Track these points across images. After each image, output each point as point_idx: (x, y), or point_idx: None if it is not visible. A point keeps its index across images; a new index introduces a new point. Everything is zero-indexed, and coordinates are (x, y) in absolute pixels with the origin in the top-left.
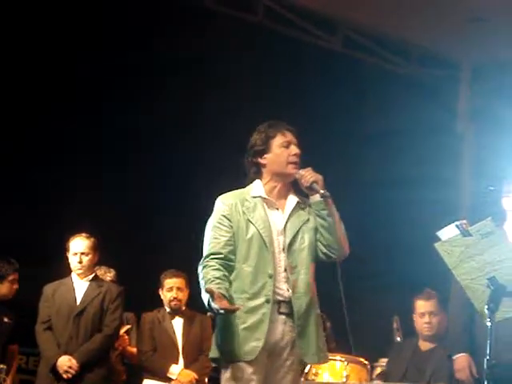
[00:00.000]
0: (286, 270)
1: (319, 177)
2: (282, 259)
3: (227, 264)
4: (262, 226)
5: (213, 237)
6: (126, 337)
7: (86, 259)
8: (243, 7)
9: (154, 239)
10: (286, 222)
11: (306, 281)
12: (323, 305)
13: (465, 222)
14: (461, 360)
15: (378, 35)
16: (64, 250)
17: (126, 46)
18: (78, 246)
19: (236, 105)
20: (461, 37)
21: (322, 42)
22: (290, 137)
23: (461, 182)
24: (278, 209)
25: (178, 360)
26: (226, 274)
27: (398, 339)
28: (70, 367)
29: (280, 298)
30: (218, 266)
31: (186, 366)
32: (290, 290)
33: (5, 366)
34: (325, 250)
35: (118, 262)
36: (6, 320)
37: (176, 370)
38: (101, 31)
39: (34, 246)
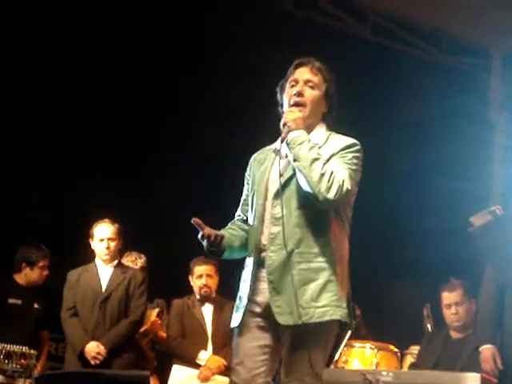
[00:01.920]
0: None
1: (289, 118)
2: (268, 209)
3: (242, 224)
4: (259, 179)
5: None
6: (159, 321)
7: (112, 245)
8: None
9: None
10: (287, 168)
11: (293, 231)
12: (354, 293)
13: (498, 207)
14: (486, 351)
15: (409, 23)
16: (86, 236)
17: None
18: (104, 232)
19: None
20: (492, 24)
21: (352, 29)
22: (299, 74)
23: (492, 169)
24: (287, 156)
25: (206, 346)
26: (234, 228)
27: (429, 327)
28: (99, 353)
29: (263, 254)
30: (229, 225)
31: (215, 353)
32: (267, 243)
33: (35, 352)
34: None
35: (148, 248)
36: (36, 306)
37: (205, 356)
38: None
39: (60, 232)
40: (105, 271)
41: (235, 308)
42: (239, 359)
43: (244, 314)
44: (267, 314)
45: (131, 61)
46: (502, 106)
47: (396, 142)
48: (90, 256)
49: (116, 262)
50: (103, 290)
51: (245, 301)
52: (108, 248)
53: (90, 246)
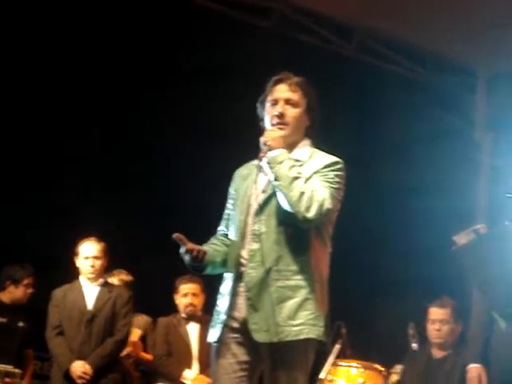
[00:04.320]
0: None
1: (269, 137)
2: (249, 225)
3: (224, 239)
4: (242, 195)
5: None
6: (140, 343)
7: (97, 263)
8: (257, 13)
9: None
10: (269, 185)
11: (272, 249)
12: (340, 313)
13: (483, 226)
14: (473, 370)
15: (394, 42)
16: (72, 254)
17: None
18: (90, 250)
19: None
20: (478, 44)
21: (337, 48)
22: (278, 92)
23: (478, 189)
24: None
25: (192, 365)
26: (217, 243)
27: (415, 346)
28: (85, 372)
29: (242, 269)
30: (211, 240)
31: (201, 372)
32: (246, 259)
33: (20, 371)
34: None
35: (134, 266)
36: (21, 324)
37: (190, 374)
38: None
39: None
40: (90, 290)
41: (212, 322)
42: (217, 376)
43: (222, 329)
44: (245, 329)
45: (125, 77)
46: (487, 125)
47: (380, 160)
48: (74, 274)
49: (101, 280)
50: (89, 308)
51: (223, 316)
52: (93, 266)
53: (75, 263)
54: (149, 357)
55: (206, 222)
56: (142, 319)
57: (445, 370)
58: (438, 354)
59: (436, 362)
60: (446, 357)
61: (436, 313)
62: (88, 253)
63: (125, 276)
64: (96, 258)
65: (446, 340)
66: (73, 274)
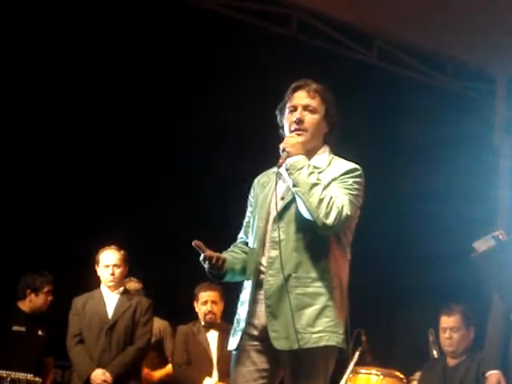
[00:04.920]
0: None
1: (288, 143)
2: (268, 233)
3: (244, 246)
4: (261, 202)
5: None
6: (149, 372)
7: (117, 271)
8: (279, 22)
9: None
10: (288, 192)
11: (291, 256)
12: (360, 320)
13: (501, 232)
14: (492, 377)
15: (413, 48)
16: (93, 262)
17: None
18: (110, 259)
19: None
20: (497, 50)
21: (357, 55)
22: (297, 99)
23: (497, 194)
24: None
25: (211, 373)
26: (237, 251)
27: (435, 352)
28: (105, 381)
29: (262, 276)
30: (231, 248)
31: (221, 380)
32: (265, 266)
33: (40, 380)
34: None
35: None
36: (40, 333)
37: (210, 383)
38: None
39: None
40: (110, 298)
41: (232, 331)
42: None
43: (241, 337)
44: (265, 337)
45: (133, 94)
46: (506, 130)
47: (401, 166)
48: (95, 283)
49: (122, 288)
50: (109, 317)
51: (242, 324)
52: (113, 274)
53: (96, 272)
54: (164, 372)
55: (227, 230)
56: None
57: (459, 377)
58: (452, 362)
59: (451, 370)
60: (459, 364)
61: (445, 321)
62: (108, 261)
63: (134, 284)
64: (116, 266)
65: (458, 347)
66: (94, 282)
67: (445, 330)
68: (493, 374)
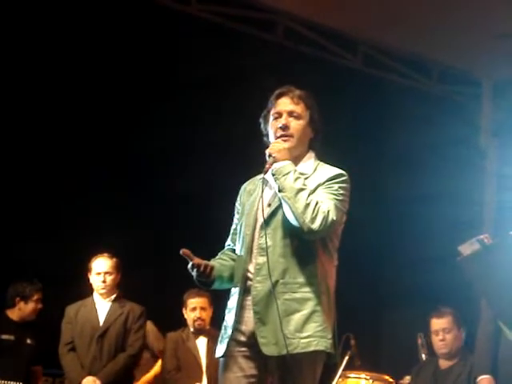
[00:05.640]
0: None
1: (274, 149)
2: (255, 240)
3: (232, 254)
4: (248, 210)
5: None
6: None
7: (109, 279)
8: (264, 28)
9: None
10: (274, 199)
11: (278, 262)
12: (348, 325)
13: (486, 236)
14: (483, 382)
15: (398, 52)
16: (85, 270)
17: None
18: (102, 266)
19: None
20: (482, 53)
21: (342, 60)
22: (281, 105)
23: (484, 196)
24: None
25: (201, 379)
26: (224, 258)
27: (424, 356)
28: None
29: (249, 283)
30: (219, 255)
31: None
32: (253, 273)
33: None
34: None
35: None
36: (29, 342)
37: None
38: None
39: (57, 266)
40: (103, 305)
41: (220, 338)
42: None
43: (229, 343)
44: (253, 343)
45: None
46: (493, 133)
47: (386, 170)
48: (88, 290)
49: (114, 296)
50: (101, 324)
51: (229, 330)
52: (104, 282)
53: (89, 279)
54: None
55: (214, 237)
56: None
57: (451, 380)
58: (444, 364)
59: (443, 373)
60: (452, 367)
61: (437, 323)
62: (100, 268)
63: None
64: (108, 273)
65: (452, 348)
66: (87, 290)
67: (437, 332)
68: (484, 379)
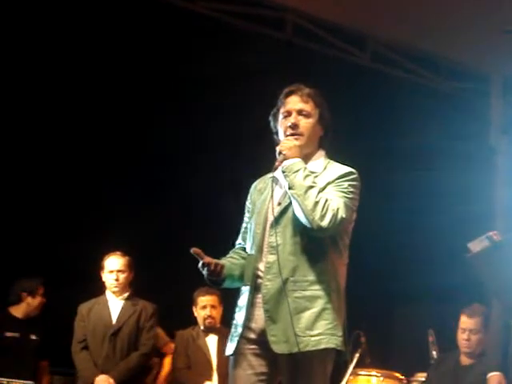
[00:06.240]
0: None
1: (285, 146)
2: (266, 238)
3: (242, 252)
4: (259, 208)
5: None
6: None
7: (122, 277)
8: (270, 24)
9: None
10: (284, 197)
11: (288, 260)
12: (359, 322)
13: (495, 232)
14: (493, 379)
15: (407, 49)
16: (98, 268)
17: None
18: (114, 264)
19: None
20: (491, 49)
21: (351, 56)
22: (290, 104)
23: (494, 194)
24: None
25: (212, 377)
26: (235, 256)
27: (434, 353)
28: None
29: (260, 281)
30: (230, 254)
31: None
32: (263, 271)
33: (34, 383)
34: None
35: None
36: (33, 337)
37: None
38: None
39: (70, 264)
40: (115, 304)
41: (230, 336)
42: None
43: (239, 341)
44: (262, 340)
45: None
46: (503, 129)
47: (395, 167)
48: (101, 288)
49: (127, 294)
50: (113, 322)
51: (240, 329)
52: (117, 280)
53: (101, 278)
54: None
55: (224, 236)
56: None
57: (470, 377)
58: (465, 361)
59: (463, 369)
60: (473, 364)
61: (466, 322)
62: (112, 267)
63: None
64: (120, 271)
65: (475, 350)
66: (100, 288)
67: (464, 330)
68: (494, 376)
